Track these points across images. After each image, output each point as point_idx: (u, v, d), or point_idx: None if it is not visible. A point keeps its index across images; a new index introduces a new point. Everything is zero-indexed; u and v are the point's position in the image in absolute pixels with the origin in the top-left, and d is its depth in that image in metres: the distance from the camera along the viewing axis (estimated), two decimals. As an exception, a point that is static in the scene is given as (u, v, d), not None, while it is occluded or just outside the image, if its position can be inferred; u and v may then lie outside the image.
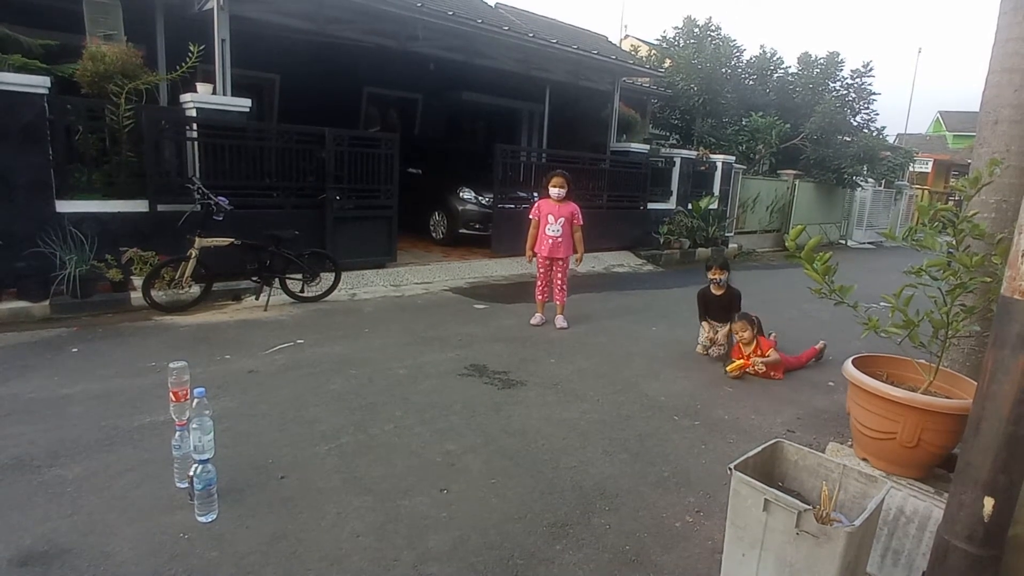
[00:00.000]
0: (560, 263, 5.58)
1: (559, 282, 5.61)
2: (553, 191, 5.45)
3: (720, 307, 4.97)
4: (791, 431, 3.61)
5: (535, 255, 5.60)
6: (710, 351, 4.90)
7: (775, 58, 14.97)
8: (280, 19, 7.57)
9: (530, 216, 5.62)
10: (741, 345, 4.59)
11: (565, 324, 5.56)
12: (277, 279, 5.79)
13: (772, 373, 4.52)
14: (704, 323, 5.00)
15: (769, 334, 4.92)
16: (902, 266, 2.33)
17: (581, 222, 5.61)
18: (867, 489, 1.94)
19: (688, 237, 10.81)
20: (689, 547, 2.39)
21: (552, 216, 5.46)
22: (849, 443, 2.49)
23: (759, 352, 4.52)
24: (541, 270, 5.61)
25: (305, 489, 2.63)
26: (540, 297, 5.67)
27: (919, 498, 2.12)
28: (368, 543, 2.28)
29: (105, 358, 4.14)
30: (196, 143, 5.95)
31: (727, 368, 4.47)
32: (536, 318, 5.64)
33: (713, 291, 5.01)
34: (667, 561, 2.30)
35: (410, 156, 9.11)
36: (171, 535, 2.27)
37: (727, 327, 4.85)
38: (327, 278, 6.07)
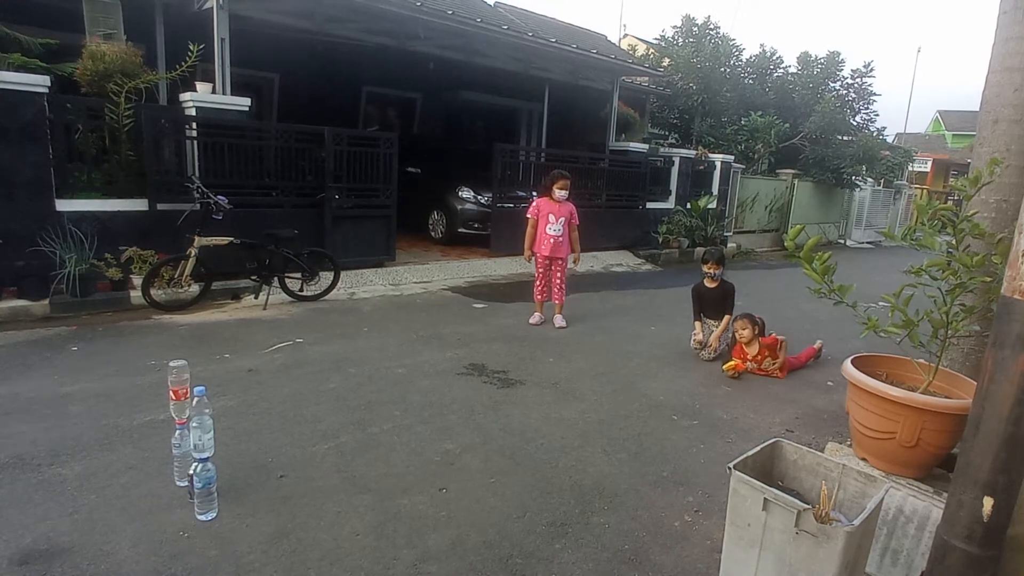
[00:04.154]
0: (559, 262, 5.58)
1: (558, 281, 5.62)
2: (560, 192, 5.44)
3: (714, 301, 4.98)
4: (790, 431, 3.61)
5: (534, 254, 5.60)
6: (700, 354, 4.88)
7: (774, 57, 14.95)
8: (279, 18, 7.57)
9: (528, 215, 5.60)
10: (742, 344, 4.59)
11: (564, 323, 5.56)
12: (276, 278, 5.79)
13: (776, 373, 4.54)
14: (697, 323, 5.00)
15: (772, 334, 4.93)
16: (901, 266, 2.34)
17: (577, 222, 5.63)
18: (866, 489, 1.94)
19: (687, 236, 10.81)
20: (688, 546, 2.39)
21: (553, 216, 5.46)
22: (848, 443, 2.49)
23: (762, 354, 4.54)
24: (540, 269, 5.61)
25: (305, 488, 2.63)
26: (539, 296, 5.67)
27: (918, 498, 2.12)
28: (367, 542, 2.29)
29: (105, 357, 4.14)
30: (195, 142, 5.95)
31: (724, 367, 4.48)
32: (535, 317, 5.64)
33: (707, 284, 5.03)
34: (666, 560, 2.30)
35: (409, 155, 9.11)
36: (171, 533, 2.27)
37: (720, 328, 4.86)
38: (326, 277, 6.07)
